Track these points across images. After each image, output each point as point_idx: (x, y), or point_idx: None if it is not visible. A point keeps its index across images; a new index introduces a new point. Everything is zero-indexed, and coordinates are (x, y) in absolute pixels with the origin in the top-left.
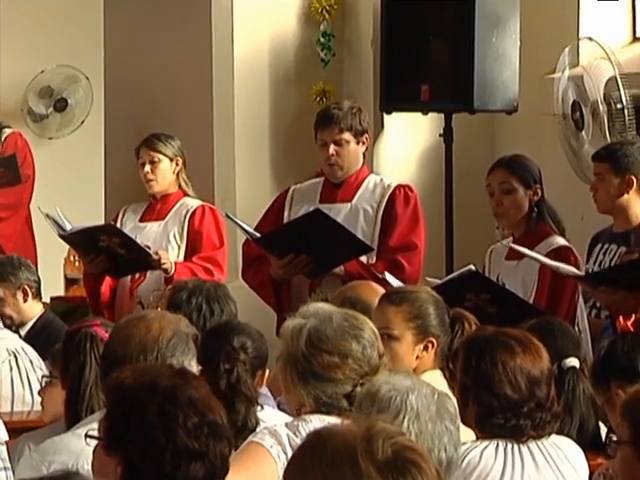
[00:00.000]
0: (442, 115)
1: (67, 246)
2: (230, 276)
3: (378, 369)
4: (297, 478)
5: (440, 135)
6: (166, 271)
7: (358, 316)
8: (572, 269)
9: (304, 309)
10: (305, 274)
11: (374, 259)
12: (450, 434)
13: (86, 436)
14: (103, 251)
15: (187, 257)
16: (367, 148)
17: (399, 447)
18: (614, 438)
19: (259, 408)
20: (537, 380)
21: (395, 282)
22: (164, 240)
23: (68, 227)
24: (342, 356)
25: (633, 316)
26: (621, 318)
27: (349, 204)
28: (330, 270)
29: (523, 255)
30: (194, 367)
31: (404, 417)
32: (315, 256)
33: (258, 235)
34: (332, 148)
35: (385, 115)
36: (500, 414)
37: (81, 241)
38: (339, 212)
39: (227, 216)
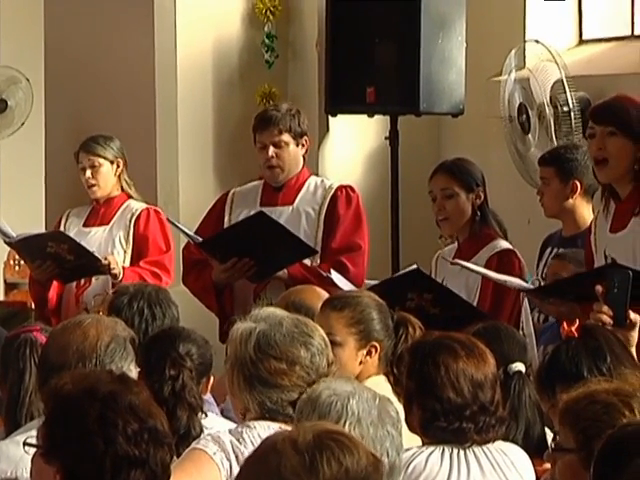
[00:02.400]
0: (388, 117)
1: (7, 250)
2: (174, 280)
3: (326, 377)
4: None
5: (386, 138)
6: (115, 276)
7: (309, 323)
8: (519, 282)
9: (255, 313)
10: (248, 278)
11: (318, 262)
12: (392, 438)
13: (24, 444)
14: (50, 257)
15: (133, 261)
16: (307, 150)
17: (320, 430)
18: (554, 445)
19: (203, 415)
20: (481, 384)
21: (340, 281)
22: (110, 245)
23: (13, 234)
24: (290, 363)
25: (577, 321)
26: (565, 324)
27: (290, 207)
28: (274, 274)
29: (468, 260)
30: (133, 371)
31: (345, 422)
32: (258, 260)
33: (200, 239)
34: (271, 150)
35: (330, 117)
36: (443, 418)
37: (28, 247)
38: (280, 215)
39: (168, 220)
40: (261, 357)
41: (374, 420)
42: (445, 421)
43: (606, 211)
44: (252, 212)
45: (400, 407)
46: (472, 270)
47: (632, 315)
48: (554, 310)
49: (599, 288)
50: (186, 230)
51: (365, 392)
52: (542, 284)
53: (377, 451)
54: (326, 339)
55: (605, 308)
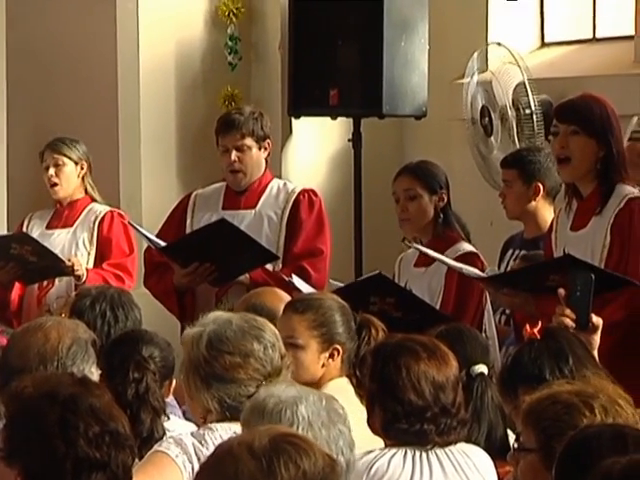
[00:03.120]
0: (351, 120)
1: None
2: (135, 283)
3: (281, 370)
4: None
5: (349, 140)
6: (79, 278)
7: (258, 318)
8: (475, 271)
9: (202, 318)
10: (210, 283)
11: (280, 266)
12: (344, 436)
13: None
14: (13, 259)
15: (96, 264)
16: (269, 153)
17: (276, 435)
18: (516, 445)
19: (165, 418)
20: (442, 386)
21: (302, 285)
22: (73, 247)
23: None
24: (244, 356)
25: (540, 323)
26: (527, 326)
27: (253, 211)
28: (235, 278)
29: (431, 262)
30: (95, 373)
31: (297, 428)
32: (220, 265)
33: (162, 244)
34: (234, 154)
35: (293, 120)
36: (404, 419)
37: None
38: (243, 219)
39: (130, 224)
40: (215, 354)
41: (324, 421)
42: (406, 423)
43: (568, 209)
44: (214, 216)
45: (363, 409)
46: (431, 256)
47: (594, 318)
48: (508, 301)
49: (561, 291)
50: (148, 234)
51: (310, 395)
52: (497, 273)
53: (332, 451)
54: (277, 333)
55: (568, 311)
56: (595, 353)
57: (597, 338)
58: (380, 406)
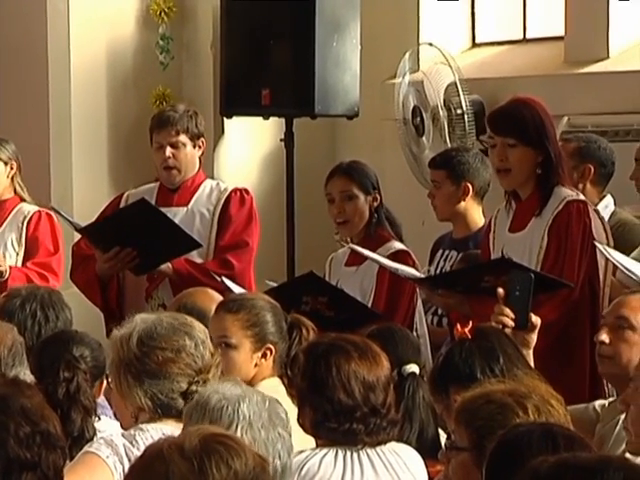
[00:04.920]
0: (283, 120)
1: None
2: (65, 283)
3: (211, 367)
4: None
5: (281, 140)
6: (1, 274)
7: (186, 317)
8: (411, 271)
9: (128, 320)
10: (131, 269)
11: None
12: (283, 440)
13: None
14: None
15: (24, 263)
16: (203, 152)
17: (206, 435)
18: (448, 444)
19: (96, 419)
20: (372, 386)
21: (234, 286)
22: (2, 247)
23: None
24: (175, 351)
25: (470, 323)
26: (459, 325)
27: (185, 208)
28: (157, 266)
29: (362, 261)
30: (28, 375)
31: (237, 426)
32: (141, 250)
33: (82, 225)
34: (168, 151)
35: (225, 119)
36: (333, 418)
37: None
38: (175, 216)
39: (52, 209)
40: (146, 351)
41: (265, 423)
42: (335, 422)
43: (508, 207)
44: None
45: (295, 409)
46: (365, 255)
47: (533, 318)
48: (442, 302)
49: (501, 291)
50: (68, 217)
51: (255, 395)
52: (432, 274)
53: (269, 454)
54: (206, 331)
55: (507, 310)
56: (531, 352)
57: (534, 337)
58: (310, 405)
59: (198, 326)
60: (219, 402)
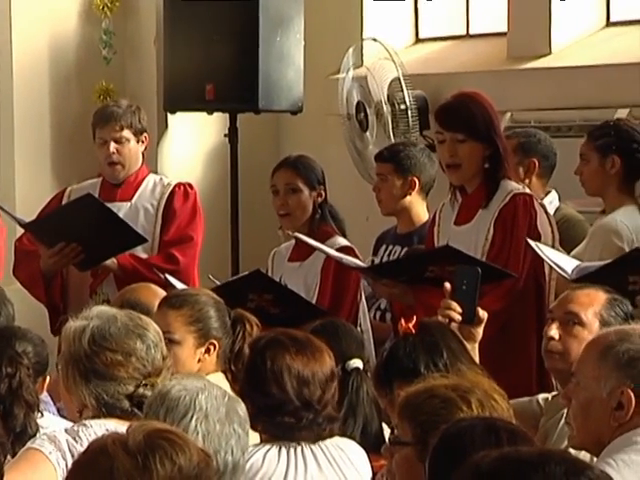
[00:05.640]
0: (227, 115)
1: None
2: (8, 279)
3: (161, 371)
4: None
5: (225, 135)
6: None
7: (143, 317)
8: (355, 261)
9: (87, 312)
10: (76, 265)
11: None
12: (238, 437)
13: None
14: None
15: None
16: (146, 147)
17: (150, 430)
18: (392, 438)
19: (39, 415)
20: (306, 381)
21: (177, 283)
22: None
23: None
24: (125, 354)
25: (415, 318)
26: (403, 320)
27: (129, 203)
28: (102, 261)
29: (306, 257)
30: None
31: (192, 417)
32: (86, 246)
33: (26, 220)
34: (112, 146)
35: (169, 115)
36: (267, 412)
37: None
38: (119, 211)
39: None
40: (96, 350)
41: (221, 417)
42: (267, 415)
43: (453, 201)
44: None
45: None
46: (310, 245)
47: (480, 312)
48: (387, 291)
49: (447, 285)
50: (12, 213)
51: (215, 389)
52: (376, 264)
53: (221, 448)
54: (160, 333)
55: (454, 304)
56: (477, 345)
57: (480, 331)
58: (248, 399)
59: (153, 328)
60: (178, 392)
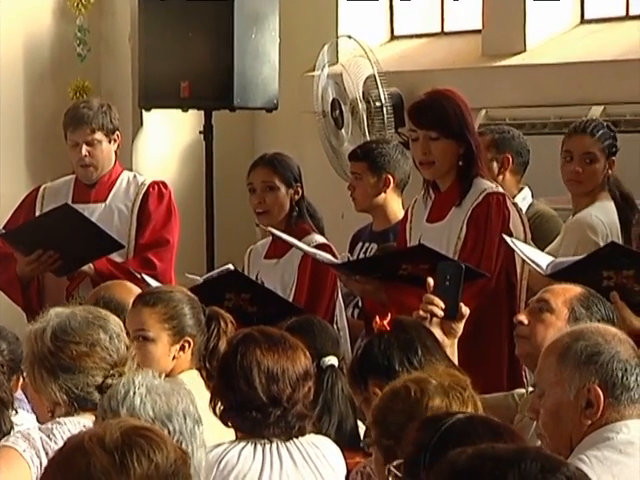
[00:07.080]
0: (202, 112)
1: None
2: None
3: (127, 360)
4: None
5: (200, 132)
6: None
7: (101, 310)
8: (329, 257)
9: (43, 315)
10: (53, 271)
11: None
12: (186, 405)
13: None
14: None
15: None
16: (119, 146)
17: (127, 428)
18: (368, 441)
19: (13, 412)
20: (275, 377)
21: (152, 282)
22: None
23: None
24: (90, 345)
25: (389, 315)
26: (377, 318)
27: (103, 204)
28: (79, 267)
29: (282, 254)
30: None
31: (134, 393)
32: (63, 253)
33: (3, 231)
34: (84, 149)
35: (144, 112)
36: (235, 407)
37: None
38: (93, 212)
39: None
40: (60, 345)
41: (166, 390)
42: (236, 410)
43: (426, 197)
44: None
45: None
46: (284, 240)
47: (463, 308)
48: (359, 288)
49: (430, 281)
50: None
51: (152, 374)
52: (350, 260)
53: (173, 412)
54: (121, 324)
55: (437, 300)
56: (456, 341)
57: (461, 327)
58: (219, 394)
59: (113, 319)
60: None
